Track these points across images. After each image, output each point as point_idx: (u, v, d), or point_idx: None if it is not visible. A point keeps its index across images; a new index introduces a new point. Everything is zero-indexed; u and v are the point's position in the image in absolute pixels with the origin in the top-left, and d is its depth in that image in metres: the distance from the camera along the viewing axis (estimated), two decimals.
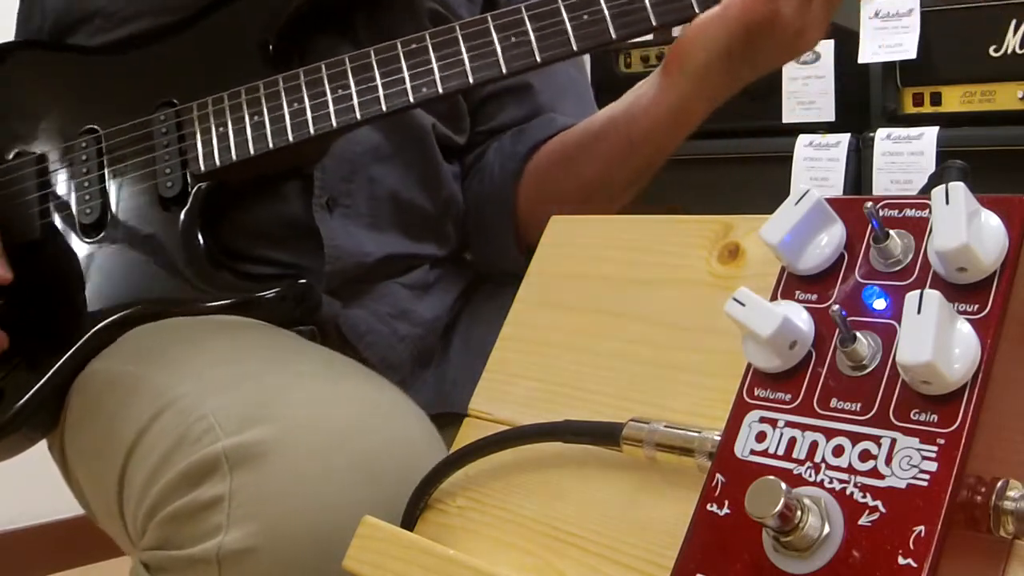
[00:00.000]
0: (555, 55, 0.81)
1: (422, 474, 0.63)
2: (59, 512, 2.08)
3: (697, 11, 0.80)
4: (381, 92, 0.83)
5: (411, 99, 0.83)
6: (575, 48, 0.81)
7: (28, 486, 1.69)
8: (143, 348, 0.80)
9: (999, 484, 0.41)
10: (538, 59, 0.81)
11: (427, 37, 0.83)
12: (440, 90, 0.82)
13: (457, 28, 0.83)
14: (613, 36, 0.81)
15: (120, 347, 0.82)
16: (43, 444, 0.90)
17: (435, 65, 0.82)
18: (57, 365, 0.83)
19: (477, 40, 0.83)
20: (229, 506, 0.63)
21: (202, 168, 0.86)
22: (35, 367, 0.84)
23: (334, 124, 0.83)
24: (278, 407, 0.66)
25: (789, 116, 1.79)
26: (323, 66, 0.85)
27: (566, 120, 0.99)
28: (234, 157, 0.85)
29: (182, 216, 0.87)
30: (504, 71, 0.82)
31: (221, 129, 0.86)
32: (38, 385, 0.83)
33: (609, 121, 0.92)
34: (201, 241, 0.86)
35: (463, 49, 0.82)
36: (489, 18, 0.83)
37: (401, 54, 0.83)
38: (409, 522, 0.61)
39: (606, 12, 0.81)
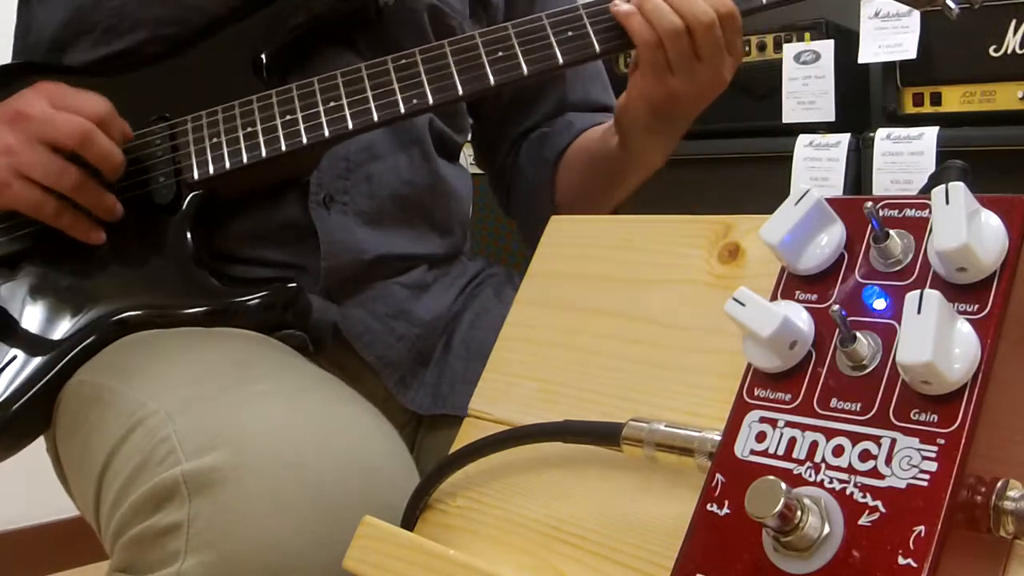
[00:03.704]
0: (541, 68, 0.85)
1: (381, 497, 0.64)
2: (59, 512, 2.08)
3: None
4: (372, 103, 0.85)
5: (402, 110, 0.85)
6: (560, 62, 0.86)
7: (28, 486, 1.69)
8: (125, 360, 0.80)
9: (999, 484, 0.41)
10: (525, 72, 0.85)
11: (416, 53, 0.86)
12: (431, 101, 0.85)
13: (446, 44, 0.86)
14: (597, 50, 0.86)
15: (105, 357, 0.82)
16: (43, 445, 0.90)
17: (424, 78, 0.85)
18: (40, 374, 0.83)
19: (465, 55, 0.86)
20: (187, 533, 0.63)
21: (196, 176, 0.86)
22: (25, 368, 0.84)
23: (326, 133, 0.85)
24: (237, 430, 0.66)
25: (789, 116, 1.79)
26: (315, 81, 0.86)
27: (583, 123, 1.04)
28: (227, 165, 0.86)
29: (175, 225, 0.87)
30: (492, 83, 0.85)
31: (215, 139, 0.87)
32: (24, 399, 0.82)
33: (596, 152, 1.01)
34: (191, 249, 0.87)
35: (451, 63, 0.85)
36: (477, 35, 0.86)
37: (391, 68, 0.86)
38: (409, 522, 0.61)
39: (589, 28, 0.86)
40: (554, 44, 0.85)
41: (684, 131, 0.94)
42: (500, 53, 0.85)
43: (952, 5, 0.88)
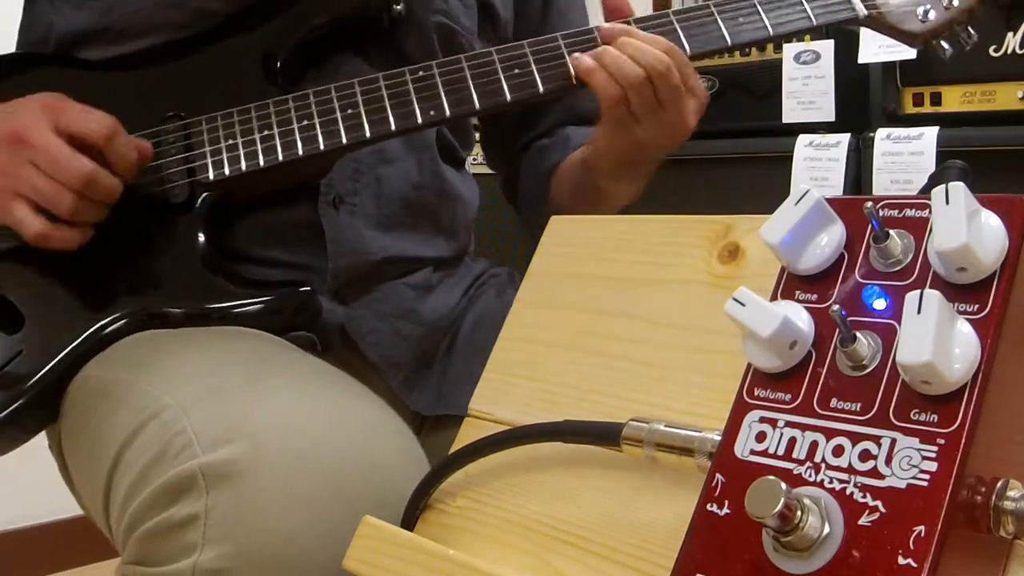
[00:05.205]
0: (556, 87, 0.88)
1: (394, 490, 0.64)
2: (59, 512, 2.08)
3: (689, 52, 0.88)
4: (390, 112, 0.86)
5: (419, 120, 0.87)
6: (575, 81, 0.88)
7: (28, 486, 1.69)
8: (136, 355, 0.80)
9: (999, 484, 0.41)
10: (540, 90, 0.87)
11: (434, 66, 0.88)
12: (448, 113, 0.87)
13: (463, 59, 0.88)
14: None
15: (115, 352, 0.82)
16: (44, 445, 0.90)
17: (442, 90, 0.87)
18: (48, 367, 0.83)
19: (482, 70, 0.88)
20: (204, 525, 0.63)
21: (211, 177, 0.87)
22: (34, 360, 0.83)
23: (344, 139, 0.86)
24: (253, 423, 0.66)
25: (789, 116, 1.78)
26: (332, 88, 0.87)
27: (579, 138, 1.06)
28: (243, 167, 0.86)
29: (187, 224, 0.87)
30: (508, 99, 0.87)
31: (230, 141, 0.87)
32: (28, 396, 0.82)
33: (577, 177, 1.03)
34: (203, 249, 0.87)
35: (469, 77, 0.87)
36: (494, 51, 0.88)
37: (409, 79, 0.87)
38: (409, 522, 0.61)
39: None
40: (568, 64, 0.87)
41: (652, 172, 0.96)
42: (516, 70, 0.87)
43: (945, 46, 0.94)
